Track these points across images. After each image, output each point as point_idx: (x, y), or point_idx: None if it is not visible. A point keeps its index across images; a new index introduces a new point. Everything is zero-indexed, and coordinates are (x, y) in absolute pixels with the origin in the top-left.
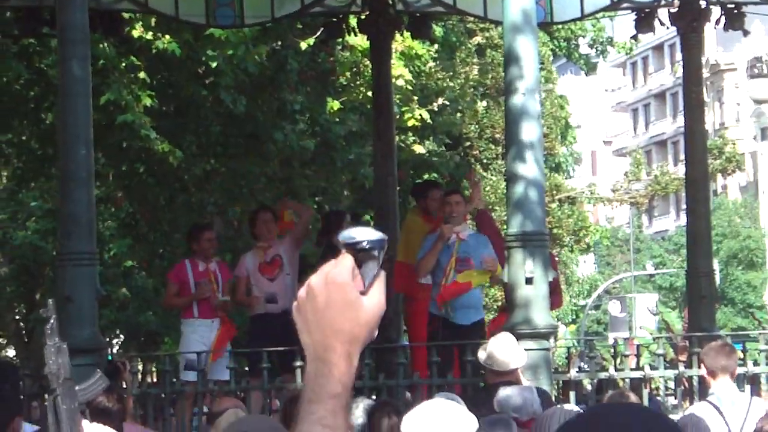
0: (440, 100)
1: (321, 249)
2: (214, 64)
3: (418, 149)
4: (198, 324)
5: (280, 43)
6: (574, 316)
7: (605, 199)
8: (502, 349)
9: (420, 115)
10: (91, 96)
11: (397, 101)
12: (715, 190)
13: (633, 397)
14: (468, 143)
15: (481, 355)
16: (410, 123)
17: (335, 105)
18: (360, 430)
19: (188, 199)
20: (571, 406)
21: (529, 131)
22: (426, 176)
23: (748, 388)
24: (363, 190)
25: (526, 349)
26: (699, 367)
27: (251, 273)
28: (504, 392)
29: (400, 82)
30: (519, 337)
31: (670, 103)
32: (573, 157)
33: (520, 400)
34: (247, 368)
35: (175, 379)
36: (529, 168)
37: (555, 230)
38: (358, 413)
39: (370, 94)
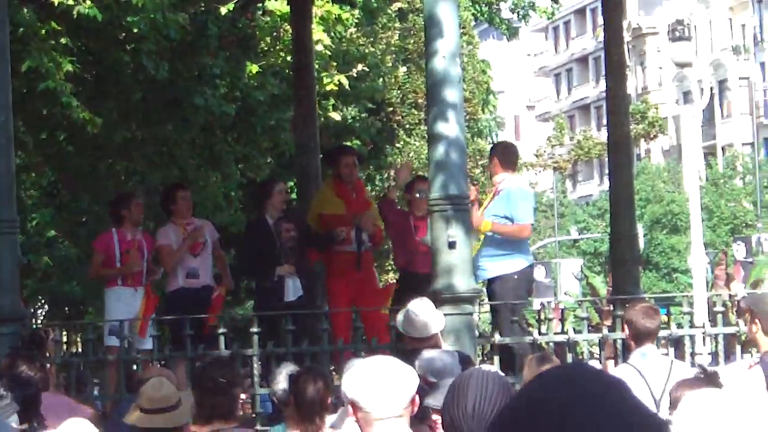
0: (360, 66)
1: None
2: (135, 30)
3: (334, 116)
4: (122, 292)
5: (203, 6)
6: None
7: (528, 165)
8: (420, 314)
9: (339, 80)
10: (9, 62)
11: (317, 66)
12: (639, 155)
13: (555, 361)
14: (391, 109)
15: (399, 319)
16: (329, 88)
17: (254, 68)
18: (283, 395)
19: (111, 167)
20: (489, 367)
21: (451, 94)
22: (347, 143)
23: (671, 351)
24: (285, 157)
25: (448, 314)
26: (623, 330)
27: (174, 245)
28: (426, 355)
29: (319, 47)
30: (442, 301)
31: (593, 68)
32: (496, 123)
33: (441, 364)
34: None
35: (100, 350)
36: (450, 128)
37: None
38: (281, 379)
39: (290, 59)
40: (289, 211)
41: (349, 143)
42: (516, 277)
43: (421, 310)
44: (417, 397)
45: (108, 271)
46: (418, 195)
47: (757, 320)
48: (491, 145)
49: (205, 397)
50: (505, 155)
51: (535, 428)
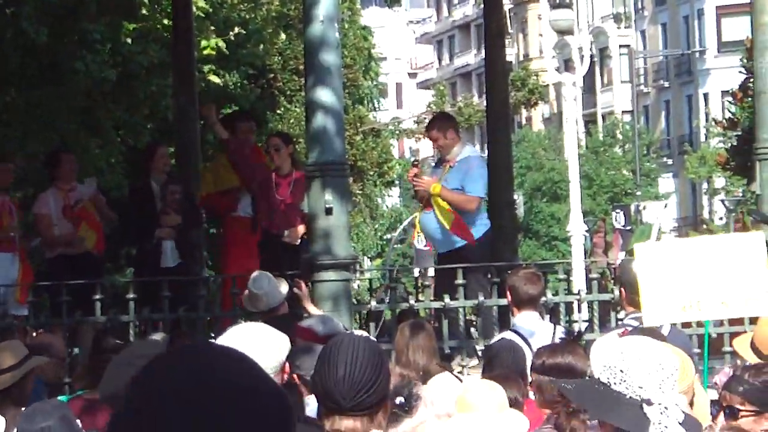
0: (236, 29)
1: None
2: None
3: (215, 79)
4: None
5: None
6: (380, 250)
7: (409, 132)
8: (261, 288)
9: (216, 44)
10: None
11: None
12: (520, 123)
13: (429, 328)
14: (272, 75)
15: (245, 301)
16: (206, 52)
17: (131, 26)
18: None
19: None
20: (361, 332)
21: (328, 60)
22: (227, 109)
23: (547, 318)
24: (165, 123)
25: (326, 281)
26: (505, 296)
27: (53, 213)
28: (307, 322)
29: (199, 10)
30: (320, 267)
31: (474, 35)
32: (378, 90)
33: (321, 327)
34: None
35: None
36: (327, 94)
37: (359, 163)
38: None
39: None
40: (170, 175)
41: (228, 109)
42: (480, 242)
43: (262, 284)
44: (287, 365)
45: None
46: (275, 150)
47: (621, 289)
48: (434, 120)
49: (97, 364)
50: (457, 125)
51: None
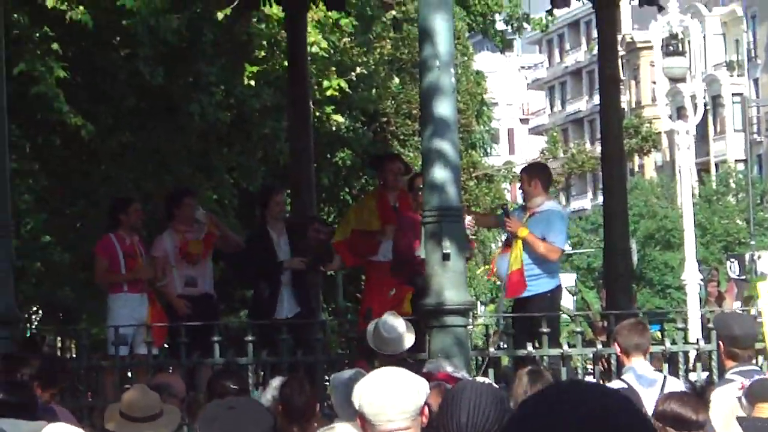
0: (358, 69)
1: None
2: (130, 34)
3: (338, 119)
4: (128, 298)
5: (198, 10)
6: (493, 295)
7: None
8: (393, 331)
9: (338, 84)
10: (3, 65)
11: (314, 71)
12: (632, 170)
13: (547, 375)
14: (384, 119)
15: (369, 335)
16: (329, 93)
17: (253, 69)
18: (272, 404)
19: (104, 173)
20: (483, 379)
21: (444, 105)
22: (341, 153)
23: (665, 366)
24: (278, 166)
25: (444, 326)
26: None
27: (171, 254)
28: (432, 364)
29: (315, 49)
30: (438, 314)
31: (586, 81)
32: (490, 135)
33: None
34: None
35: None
36: (444, 140)
37: (472, 208)
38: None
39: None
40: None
41: (342, 153)
42: (549, 295)
43: (394, 326)
44: (426, 408)
45: (116, 277)
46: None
47: (720, 342)
48: (527, 166)
49: None
50: (548, 178)
51: None
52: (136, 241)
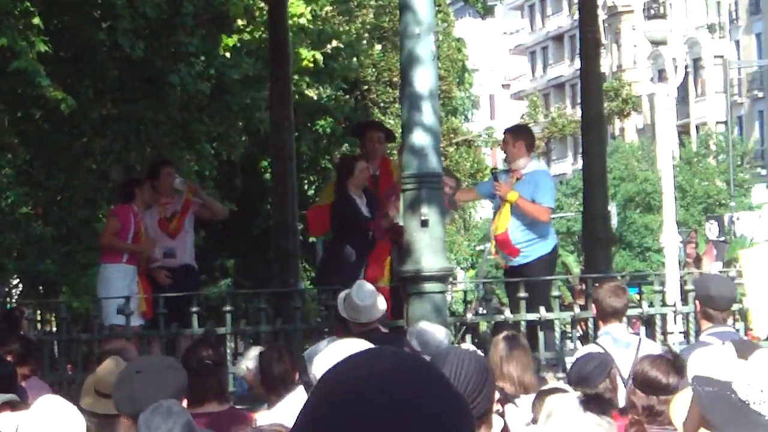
0: (334, 43)
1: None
2: (111, 8)
3: (310, 93)
4: (126, 270)
5: None
6: (473, 261)
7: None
8: (364, 300)
9: (313, 56)
10: None
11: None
12: (613, 134)
13: (523, 341)
14: (365, 87)
15: (341, 304)
16: (303, 64)
17: (230, 42)
18: (248, 374)
19: (86, 146)
20: (468, 346)
21: (425, 73)
22: (321, 121)
23: (643, 329)
24: (259, 136)
25: (423, 293)
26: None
27: (150, 226)
28: (419, 326)
29: (303, 21)
30: (417, 280)
31: (568, 46)
32: (471, 101)
33: (430, 337)
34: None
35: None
36: (423, 107)
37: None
38: (247, 359)
39: (265, 36)
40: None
41: (322, 121)
42: (547, 258)
43: (365, 295)
44: None
45: (122, 244)
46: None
47: (696, 301)
48: (511, 128)
49: (195, 378)
50: (531, 139)
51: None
52: (140, 218)
